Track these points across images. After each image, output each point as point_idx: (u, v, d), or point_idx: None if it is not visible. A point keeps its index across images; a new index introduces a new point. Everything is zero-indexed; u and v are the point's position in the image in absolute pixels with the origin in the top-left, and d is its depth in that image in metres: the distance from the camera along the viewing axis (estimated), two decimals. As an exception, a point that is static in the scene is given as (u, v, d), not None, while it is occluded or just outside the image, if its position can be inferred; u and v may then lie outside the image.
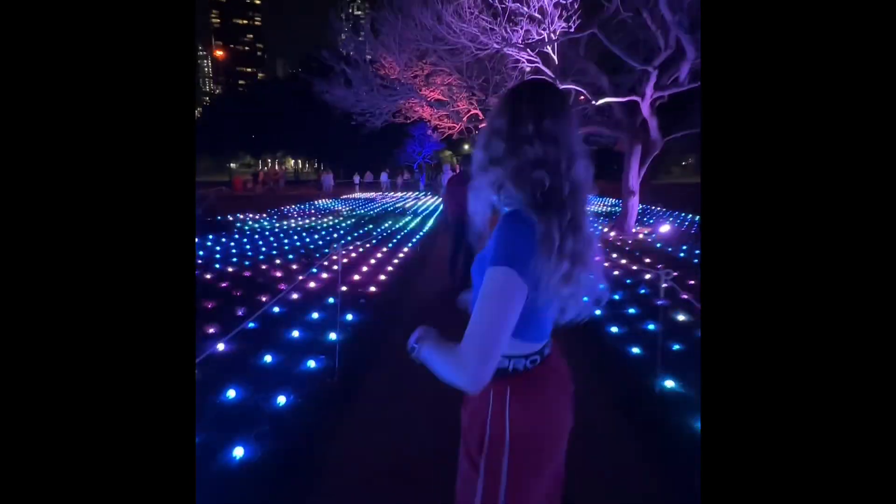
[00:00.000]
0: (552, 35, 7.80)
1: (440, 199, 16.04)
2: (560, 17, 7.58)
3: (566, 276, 0.85)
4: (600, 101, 8.93)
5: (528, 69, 8.78)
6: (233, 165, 53.61)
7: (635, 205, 9.75)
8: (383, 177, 28.00)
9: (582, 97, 10.88)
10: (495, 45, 8.13)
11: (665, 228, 9.42)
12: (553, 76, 8.71)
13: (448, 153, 38.78)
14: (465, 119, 11.79)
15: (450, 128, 13.55)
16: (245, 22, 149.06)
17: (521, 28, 7.83)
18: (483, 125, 11.73)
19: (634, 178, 9.64)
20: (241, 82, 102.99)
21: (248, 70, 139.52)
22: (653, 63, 7.42)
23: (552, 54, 8.34)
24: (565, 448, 1.02)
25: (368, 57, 10.18)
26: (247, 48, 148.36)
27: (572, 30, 7.54)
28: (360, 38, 10.36)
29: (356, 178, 28.43)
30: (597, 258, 0.95)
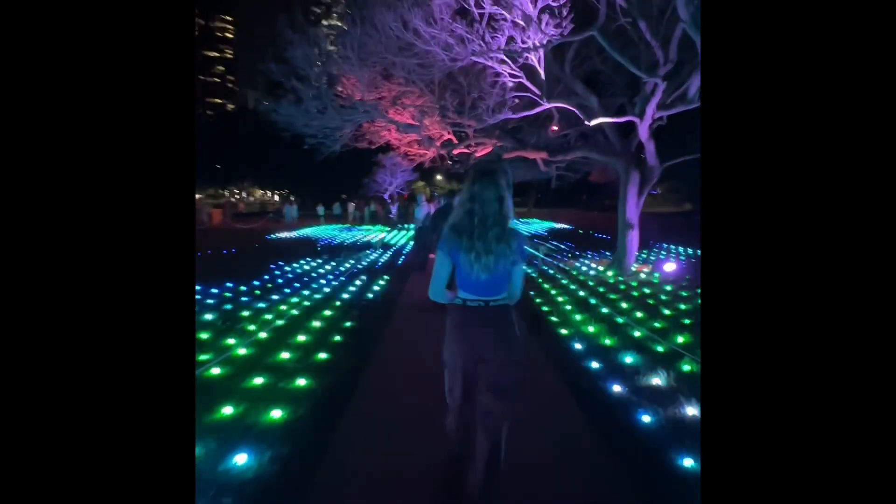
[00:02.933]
0: (537, 42, 6.57)
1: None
2: (547, 24, 6.38)
3: (476, 261, 1.79)
4: (594, 122, 7.74)
5: (510, 85, 7.54)
6: (198, 196, 51.03)
7: (635, 239, 8.48)
8: (350, 208, 27.15)
9: (555, 127, 9.70)
10: (471, 55, 6.85)
11: (671, 267, 8.16)
12: (538, 93, 7.50)
13: (421, 184, 37.47)
14: (438, 144, 10.44)
15: (421, 155, 12.19)
16: (216, 55, 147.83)
17: (503, 34, 6.59)
18: (457, 151, 10.40)
19: (633, 210, 8.41)
20: (209, 112, 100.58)
21: (218, 101, 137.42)
22: (658, 73, 6.25)
23: (538, 67, 7.12)
24: (468, 364, 1.87)
25: (320, 67, 8.70)
26: (217, 80, 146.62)
27: (565, 33, 6.32)
28: (319, 59, 8.93)
29: (320, 210, 26.02)
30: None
